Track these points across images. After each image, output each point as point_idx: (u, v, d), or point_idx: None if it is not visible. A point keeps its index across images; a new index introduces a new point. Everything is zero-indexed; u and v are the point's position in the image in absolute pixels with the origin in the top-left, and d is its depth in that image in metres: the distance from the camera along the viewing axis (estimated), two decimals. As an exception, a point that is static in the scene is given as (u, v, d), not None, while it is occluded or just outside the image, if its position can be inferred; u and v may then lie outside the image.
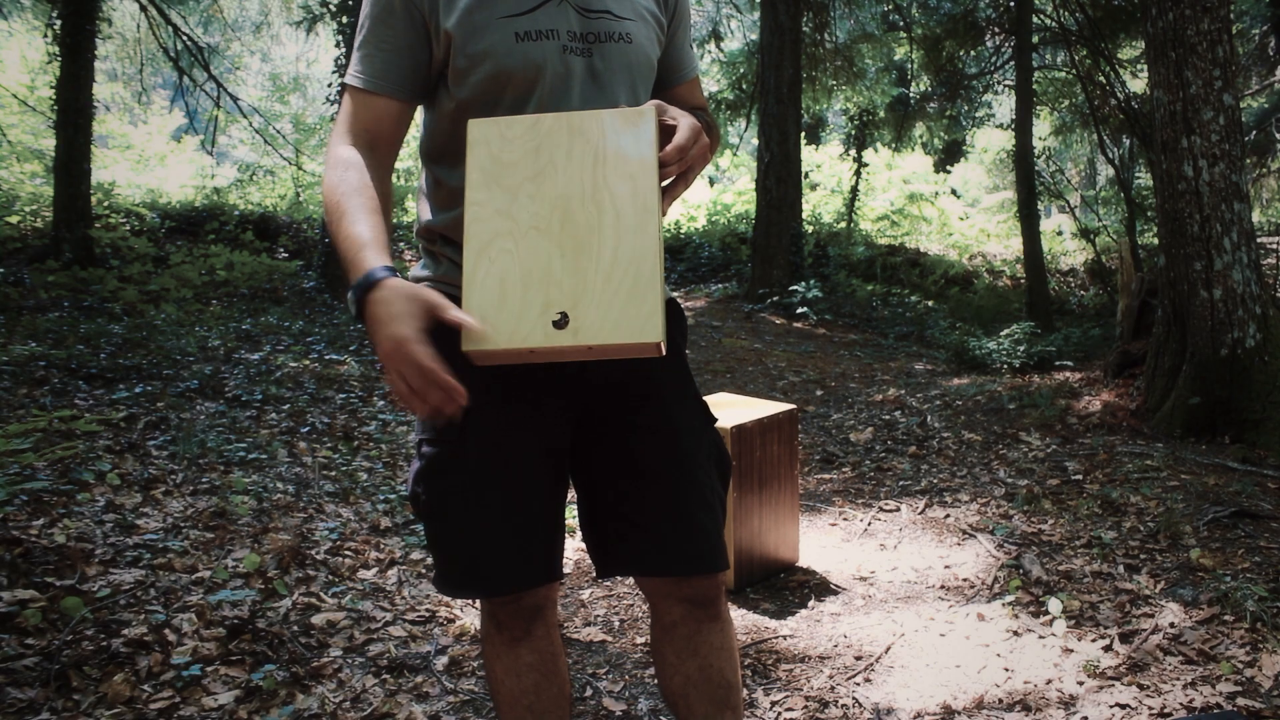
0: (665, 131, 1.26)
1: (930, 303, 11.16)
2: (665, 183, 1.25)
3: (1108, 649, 2.41)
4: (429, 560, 3.03)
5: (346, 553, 3.06)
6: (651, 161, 1.21)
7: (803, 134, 11.56)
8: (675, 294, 1.76)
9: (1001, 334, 7.68)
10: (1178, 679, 2.24)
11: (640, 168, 1.21)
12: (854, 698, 2.26)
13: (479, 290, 1.20)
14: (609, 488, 1.41)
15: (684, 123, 1.25)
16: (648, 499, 1.38)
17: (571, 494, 1.48)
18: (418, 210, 1.46)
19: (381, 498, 3.62)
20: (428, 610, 2.71)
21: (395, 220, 13.44)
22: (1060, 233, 15.72)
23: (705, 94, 1.70)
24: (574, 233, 1.20)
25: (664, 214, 1.23)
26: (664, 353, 1.19)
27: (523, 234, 1.21)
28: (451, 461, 1.36)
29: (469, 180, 1.24)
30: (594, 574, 3.01)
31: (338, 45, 9.48)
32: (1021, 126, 10.11)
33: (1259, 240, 6.30)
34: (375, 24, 1.32)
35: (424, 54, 1.33)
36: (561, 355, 1.20)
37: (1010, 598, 2.76)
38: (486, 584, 1.41)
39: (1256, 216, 14.39)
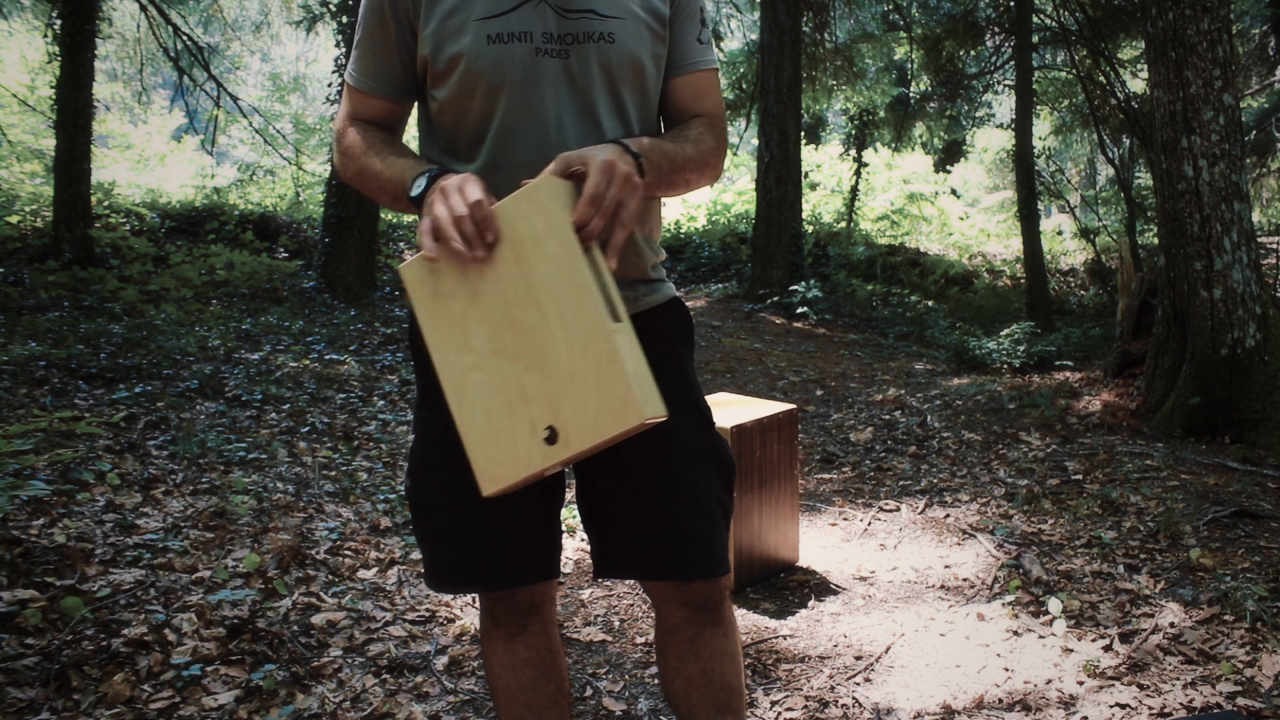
0: (579, 180, 1.20)
1: (930, 303, 11.16)
2: (595, 239, 1.17)
3: (1108, 649, 2.41)
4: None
5: (346, 553, 3.06)
6: (566, 233, 1.13)
7: (803, 134, 11.56)
8: (676, 294, 1.77)
9: (1001, 334, 7.68)
10: (1178, 679, 2.24)
11: (558, 245, 1.13)
12: (854, 698, 2.26)
13: (471, 432, 1.19)
14: (601, 490, 1.42)
15: (594, 164, 1.17)
16: (638, 504, 1.38)
17: (572, 493, 1.49)
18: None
19: (381, 498, 3.62)
20: (428, 610, 2.71)
21: (395, 220, 13.45)
22: (1060, 233, 15.72)
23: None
24: (528, 341, 1.16)
25: (612, 264, 1.18)
26: (665, 416, 1.15)
27: (487, 362, 1.18)
28: (437, 457, 1.39)
29: (423, 327, 1.22)
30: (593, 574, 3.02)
31: (338, 45, 9.49)
32: (1021, 126, 10.11)
33: (1259, 240, 6.30)
34: (367, 25, 1.36)
35: (409, 56, 1.36)
36: (571, 463, 1.19)
37: (1010, 598, 2.76)
38: (472, 580, 1.43)
39: (1256, 216, 14.39)
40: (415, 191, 1.25)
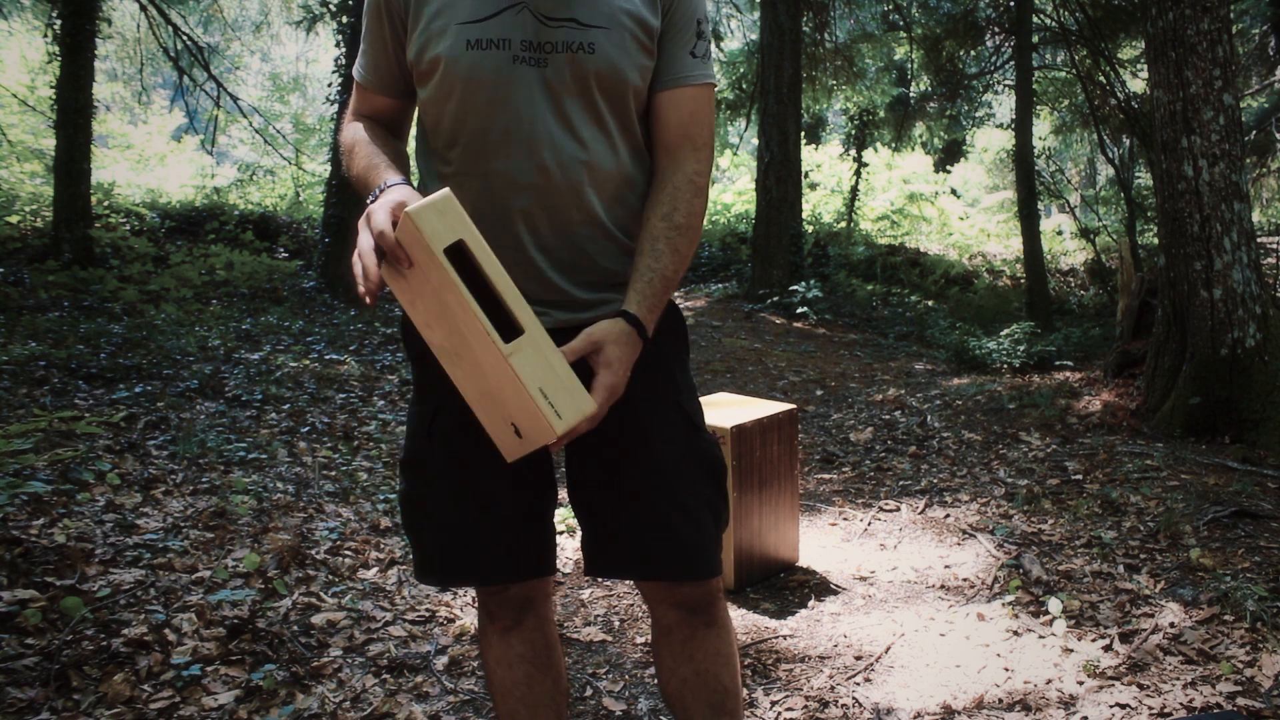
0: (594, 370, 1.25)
1: (930, 303, 11.15)
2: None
3: (1108, 649, 2.41)
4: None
5: (346, 553, 3.06)
6: (439, 260, 1.10)
7: (803, 134, 11.56)
8: (675, 294, 1.74)
9: (1001, 334, 7.68)
10: (1178, 679, 2.24)
11: (438, 273, 1.11)
12: (854, 698, 2.26)
13: (478, 413, 1.25)
14: (589, 492, 1.43)
15: (601, 383, 1.24)
16: (623, 506, 1.39)
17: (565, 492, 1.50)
18: None
19: (381, 498, 3.62)
20: (428, 610, 2.71)
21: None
22: (1060, 233, 15.71)
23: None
24: (470, 351, 1.16)
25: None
26: (591, 410, 1.17)
27: (458, 359, 1.20)
28: (422, 454, 1.42)
29: (414, 322, 1.24)
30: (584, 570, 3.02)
31: (338, 45, 9.48)
32: (1021, 126, 10.11)
33: (1259, 240, 6.30)
34: (368, 21, 1.38)
35: (403, 55, 1.37)
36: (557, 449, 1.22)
37: (1010, 598, 2.76)
38: (462, 574, 1.46)
39: (1256, 216, 14.39)
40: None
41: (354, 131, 1.40)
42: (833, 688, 2.31)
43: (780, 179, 10.18)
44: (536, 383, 1.12)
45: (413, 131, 1.51)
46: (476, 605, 1.56)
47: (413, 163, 1.47)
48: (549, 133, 1.30)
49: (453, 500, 1.40)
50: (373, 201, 1.23)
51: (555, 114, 1.30)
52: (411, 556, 3.06)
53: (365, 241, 1.16)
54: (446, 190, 1.13)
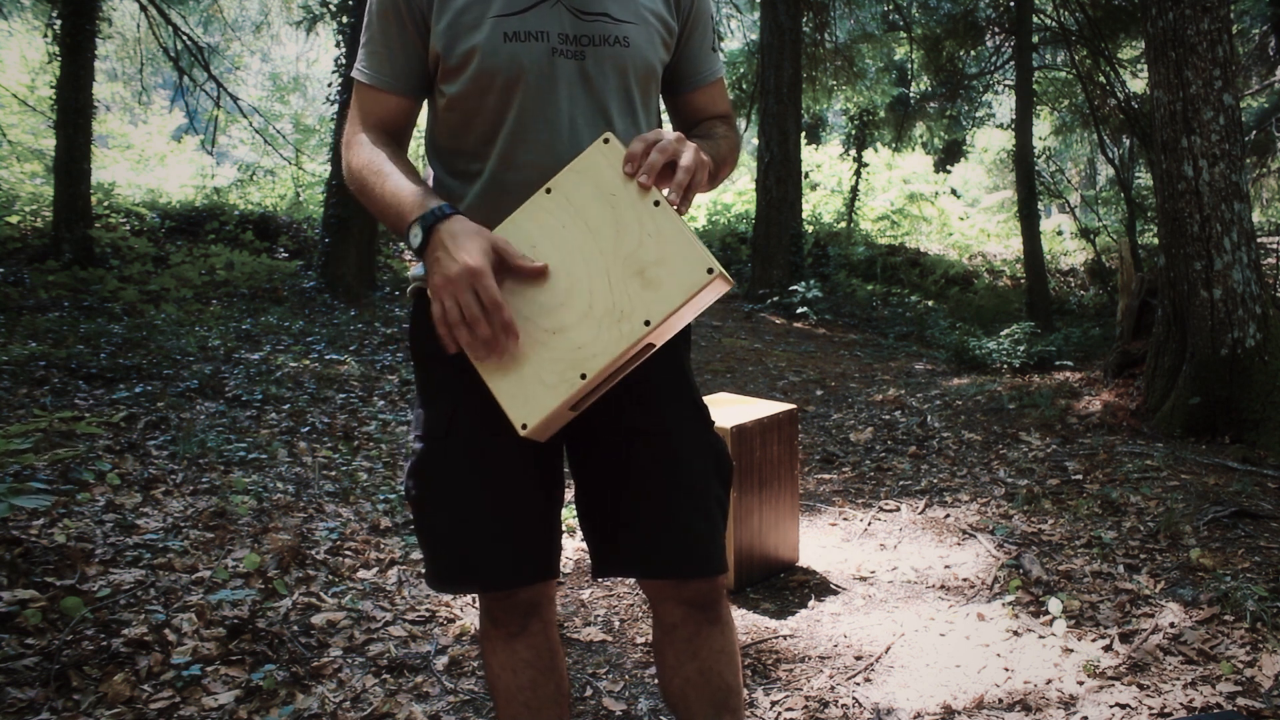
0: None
1: (930, 303, 11.16)
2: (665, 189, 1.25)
3: (1108, 649, 2.41)
4: (429, 560, 3.02)
5: (346, 553, 3.06)
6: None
7: (803, 134, 11.56)
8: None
9: (1001, 334, 7.68)
10: (1178, 679, 2.24)
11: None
12: (854, 698, 2.26)
13: None
14: (603, 490, 1.42)
15: (668, 134, 1.26)
16: (639, 503, 1.38)
17: (570, 493, 1.49)
18: None
19: (381, 498, 3.62)
20: (428, 610, 2.71)
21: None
22: (1060, 233, 15.73)
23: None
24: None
25: (676, 201, 1.24)
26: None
27: None
28: (438, 456, 1.39)
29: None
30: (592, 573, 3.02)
31: (338, 45, 9.48)
32: (1021, 126, 10.11)
33: (1259, 240, 6.30)
34: (378, 20, 1.35)
35: (422, 51, 1.35)
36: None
37: (1010, 598, 2.76)
38: (473, 580, 1.43)
39: (1256, 216, 14.39)
40: (415, 243, 1.23)
41: (366, 149, 1.34)
42: (833, 688, 2.32)
43: (780, 179, 10.19)
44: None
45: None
46: (479, 610, 1.55)
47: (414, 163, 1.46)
48: (587, 125, 1.32)
49: (469, 506, 1.37)
50: (430, 229, 1.21)
51: (595, 107, 1.33)
52: (417, 558, 3.07)
53: (464, 310, 1.17)
54: (511, 420, 1.21)
